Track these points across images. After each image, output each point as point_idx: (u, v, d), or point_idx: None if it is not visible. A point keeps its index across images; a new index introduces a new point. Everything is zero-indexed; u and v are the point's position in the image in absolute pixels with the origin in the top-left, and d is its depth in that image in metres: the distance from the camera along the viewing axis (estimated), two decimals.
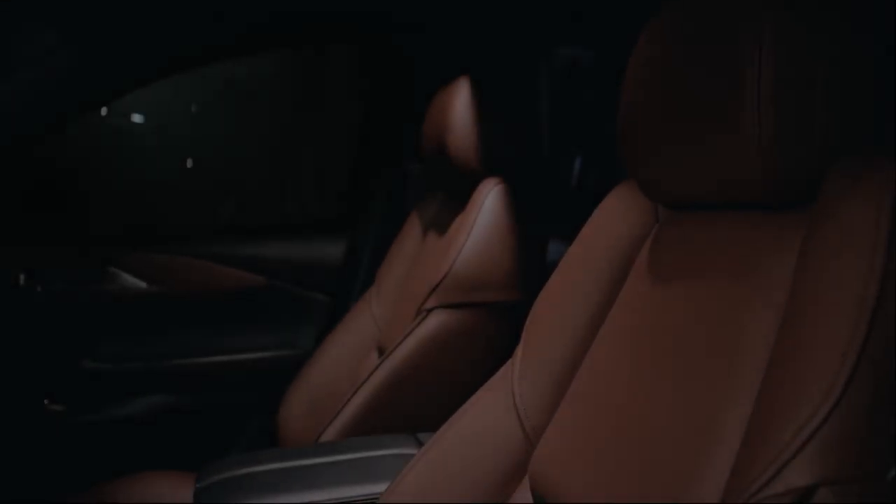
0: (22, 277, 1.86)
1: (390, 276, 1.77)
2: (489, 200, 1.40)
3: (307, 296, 2.01)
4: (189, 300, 1.96)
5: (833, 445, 0.51)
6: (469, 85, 1.48)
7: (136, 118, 2.17)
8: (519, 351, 0.98)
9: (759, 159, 0.65)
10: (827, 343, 0.54)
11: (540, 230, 1.44)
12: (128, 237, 2.03)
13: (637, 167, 0.82)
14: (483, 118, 1.46)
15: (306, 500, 1.04)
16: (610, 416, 0.81)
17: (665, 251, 0.84)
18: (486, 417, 0.97)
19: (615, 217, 0.93)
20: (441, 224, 1.64)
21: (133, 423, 1.89)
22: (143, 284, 1.95)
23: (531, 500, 0.88)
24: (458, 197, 1.58)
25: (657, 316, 0.80)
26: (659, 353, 0.78)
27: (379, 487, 1.00)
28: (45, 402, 1.85)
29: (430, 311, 1.36)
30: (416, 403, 1.34)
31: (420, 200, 1.84)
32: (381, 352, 1.62)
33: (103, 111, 2.08)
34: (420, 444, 1.22)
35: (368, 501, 0.99)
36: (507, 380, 0.98)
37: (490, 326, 1.37)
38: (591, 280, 0.92)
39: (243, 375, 1.96)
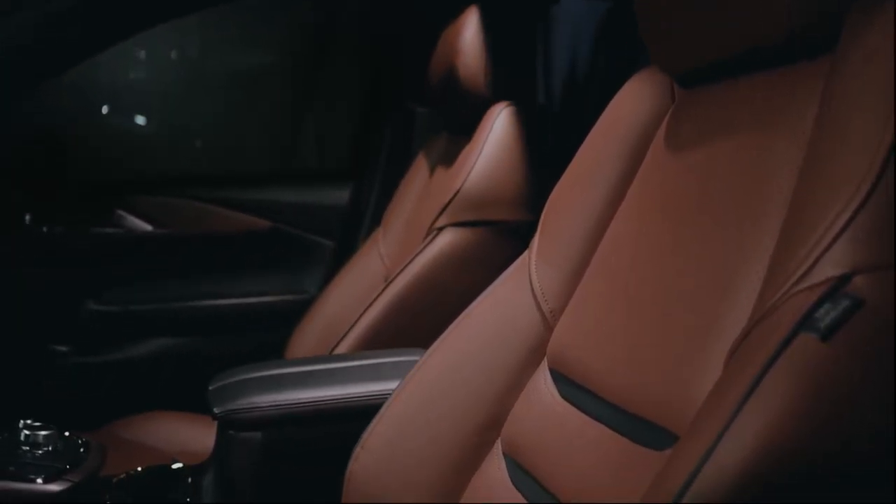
0: (28, 218, 1.86)
1: (397, 216, 1.77)
2: (499, 122, 1.40)
3: (313, 240, 2.02)
4: (195, 243, 1.96)
5: (866, 235, 0.51)
6: (478, 12, 1.48)
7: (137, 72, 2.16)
8: (536, 238, 0.98)
9: None
10: (855, 147, 0.55)
11: (548, 153, 1.44)
12: (134, 181, 2.03)
13: (655, 32, 0.82)
14: (491, 45, 1.46)
15: (319, 395, 1.04)
16: (629, 289, 0.81)
17: (683, 123, 0.84)
18: (504, 303, 0.97)
19: (632, 101, 0.94)
20: (449, 159, 1.64)
21: (139, 365, 1.89)
22: (148, 227, 1.95)
23: (550, 380, 0.88)
24: (466, 132, 1.58)
25: (677, 184, 0.80)
26: (680, 218, 0.78)
27: (393, 385, 1.00)
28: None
29: (440, 229, 1.36)
30: (427, 320, 1.34)
31: (427, 143, 1.84)
32: None
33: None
34: None
35: (383, 396, 0.99)
36: (524, 267, 0.98)
37: (500, 246, 1.37)
38: (609, 161, 0.92)
39: (249, 319, 1.96)
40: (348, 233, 2.03)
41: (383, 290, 1.38)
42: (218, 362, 1.94)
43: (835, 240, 0.52)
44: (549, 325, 0.93)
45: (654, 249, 0.80)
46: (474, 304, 1.00)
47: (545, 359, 0.91)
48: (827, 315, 0.50)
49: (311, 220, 2.01)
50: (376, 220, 1.93)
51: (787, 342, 0.50)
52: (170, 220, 1.97)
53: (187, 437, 1.53)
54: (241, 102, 2.17)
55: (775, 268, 0.57)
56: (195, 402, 1.53)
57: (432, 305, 1.35)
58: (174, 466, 1.19)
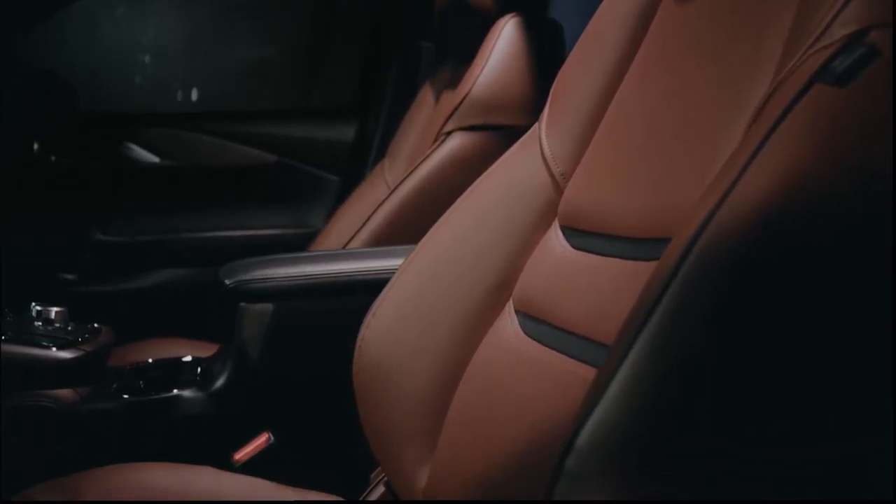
0: (36, 147, 1.86)
1: (404, 144, 1.77)
2: (506, 31, 1.41)
3: (319, 175, 2.02)
4: (201, 176, 1.97)
5: None
6: None
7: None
8: (546, 109, 0.99)
9: None
10: None
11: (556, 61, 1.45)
12: (143, 114, 2.03)
13: None
14: None
15: (331, 269, 1.05)
16: (639, 139, 0.82)
17: None
18: (514, 170, 0.98)
19: None
20: (455, 83, 1.65)
21: (145, 295, 1.90)
22: (156, 159, 1.96)
23: (562, 236, 0.88)
24: (473, 57, 1.58)
25: (682, 35, 0.81)
26: (684, 66, 0.78)
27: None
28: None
29: (449, 133, 1.37)
30: (435, 220, 1.35)
31: (432, 74, 1.85)
32: None
33: None
34: None
35: (394, 272, 0.99)
36: (533, 136, 0.99)
37: None
38: (616, 27, 0.93)
39: (254, 252, 1.96)
40: (354, 168, 2.03)
41: (393, 191, 1.39)
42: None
43: (847, 2, 0.53)
44: (559, 187, 0.93)
45: (661, 101, 0.81)
46: (484, 175, 1.01)
47: (556, 219, 0.92)
48: (843, 64, 0.51)
49: (317, 155, 2.02)
50: (382, 155, 1.93)
51: (802, 93, 0.51)
52: (177, 153, 1.98)
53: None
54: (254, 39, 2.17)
55: (789, 44, 0.58)
56: (201, 331, 1.54)
57: (441, 206, 1.35)
58: (184, 359, 1.19)
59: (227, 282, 1.08)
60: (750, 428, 0.45)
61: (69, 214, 1.88)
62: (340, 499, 0.95)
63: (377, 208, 1.39)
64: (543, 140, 0.96)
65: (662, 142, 0.77)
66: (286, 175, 2.00)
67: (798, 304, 0.46)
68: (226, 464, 1.01)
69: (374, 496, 1.01)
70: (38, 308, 1.04)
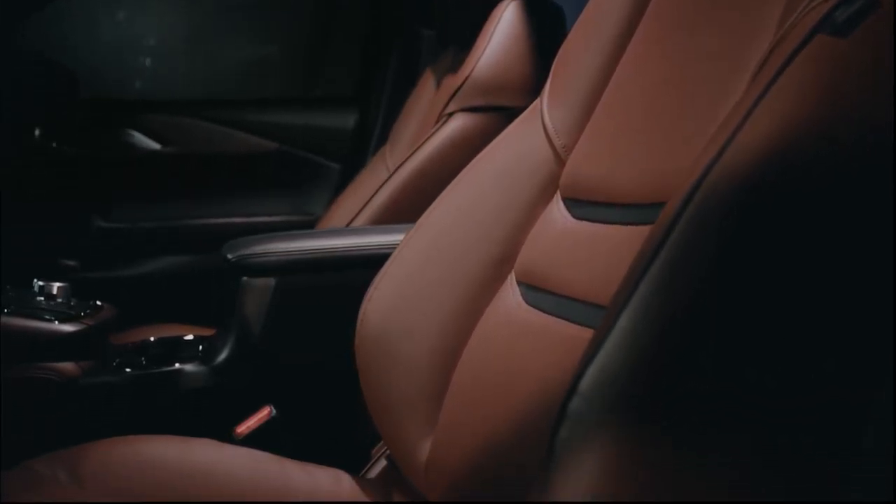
0: (37, 133, 1.87)
1: (405, 130, 1.78)
2: (507, 13, 1.41)
3: (320, 163, 2.03)
4: (202, 163, 1.97)
5: None
6: None
7: None
8: (547, 83, 0.99)
9: None
10: None
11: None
12: (145, 101, 2.03)
13: None
14: None
15: (332, 244, 1.05)
16: (641, 107, 0.82)
17: None
18: (516, 144, 0.98)
19: None
20: (456, 68, 1.65)
21: (146, 281, 1.90)
22: (157, 146, 1.96)
23: (564, 207, 0.88)
24: (474, 41, 1.58)
25: (686, 4, 0.81)
26: (687, 32, 0.79)
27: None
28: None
29: (451, 114, 1.37)
30: None
31: (434, 61, 1.85)
32: None
33: None
34: None
35: (396, 246, 1.00)
36: (535, 111, 0.99)
37: None
38: (618, 3, 0.93)
39: None
40: (355, 155, 2.03)
41: (395, 172, 1.39)
42: (223, 280, 1.96)
43: None
44: (561, 160, 0.93)
45: (662, 69, 0.81)
46: (485, 150, 1.01)
47: (558, 192, 0.92)
48: (843, 14, 0.51)
49: (318, 143, 2.02)
50: (382, 142, 1.93)
51: (803, 45, 0.51)
52: (179, 140, 1.98)
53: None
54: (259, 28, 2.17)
55: (789, 3, 0.58)
56: (202, 317, 1.54)
57: (443, 187, 1.35)
58: (186, 337, 1.19)
59: (229, 256, 1.08)
60: (751, 370, 0.45)
61: (70, 201, 1.88)
62: (342, 472, 0.95)
63: (379, 189, 1.39)
64: (545, 114, 0.96)
65: (663, 109, 0.78)
66: (287, 163, 2.01)
67: (798, 251, 0.46)
68: (228, 437, 1.01)
69: (375, 470, 1.02)
70: (41, 283, 1.04)
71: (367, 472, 1.02)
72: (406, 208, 1.36)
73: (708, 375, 0.45)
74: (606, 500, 0.44)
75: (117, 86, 2.05)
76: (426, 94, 1.78)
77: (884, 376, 0.47)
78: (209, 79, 2.14)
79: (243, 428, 1.01)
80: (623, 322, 0.47)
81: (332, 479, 0.95)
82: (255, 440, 0.99)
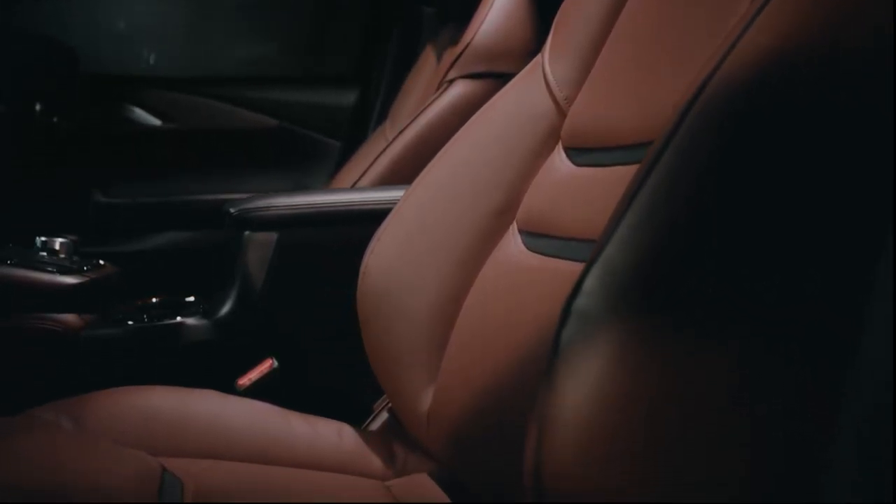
0: (38, 107, 1.87)
1: (405, 105, 1.78)
2: None
3: (320, 140, 2.03)
4: (202, 139, 1.98)
5: None
6: None
7: None
8: (549, 38, 0.99)
9: None
10: None
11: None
12: (146, 77, 2.04)
13: None
14: None
15: (335, 199, 1.05)
16: (640, 53, 0.82)
17: None
18: (517, 97, 0.98)
19: None
20: (456, 40, 1.65)
21: (146, 257, 1.90)
22: (157, 122, 1.96)
23: (565, 156, 0.89)
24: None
25: None
26: None
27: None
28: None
29: (451, 81, 1.38)
30: None
31: (434, 37, 1.85)
32: None
33: None
34: None
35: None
36: (536, 65, 0.99)
37: None
38: None
39: None
40: (355, 133, 2.04)
41: (395, 138, 1.39)
42: (224, 257, 1.96)
43: None
44: (562, 112, 0.94)
45: (662, 16, 0.81)
46: (486, 105, 1.01)
47: (559, 143, 0.92)
48: None
49: (319, 121, 2.02)
50: (383, 119, 1.94)
51: None
52: (179, 116, 1.98)
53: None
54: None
55: None
56: (202, 293, 1.54)
57: None
58: (187, 299, 1.20)
59: (231, 210, 1.09)
60: (749, 270, 0.45)
61: (70, 176, 1.88)
62: (344, 424, 0.96)
63: (379, 155, 1.39)
64: (546, 67, 0.97)
65: (662, 52, 0.78)
66: (288, 140, 2.01)
67: (797, 154, 0.47)
68: (230, 390, 1.01)
69: (376, 424, 1.02)
70: (43, 239, 1.05)
71: (368, 425, 1.03)
72: (407, 173, 1.36)
73: (709, 274, 0.45)
74: (611, 393, 0.44)
75: (118, 62, 2.05)
76: (426, 70, 1.78)
77: (877, 289, 0.47)
78: (210, 56, 2.14)
79: (245, 380, 1.02)
80: (626, 225, 0.48)
81: (333, 431, 0.96)
82: (257, 393, 1.00)
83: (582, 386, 0.45)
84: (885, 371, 0.45)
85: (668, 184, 0.48)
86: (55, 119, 1.88)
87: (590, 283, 0.47)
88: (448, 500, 0.85)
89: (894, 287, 0.44)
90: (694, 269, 0.45)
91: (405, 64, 2.00)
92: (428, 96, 1.56)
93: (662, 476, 0.45)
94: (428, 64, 1.79)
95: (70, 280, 0.98)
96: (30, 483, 0.77)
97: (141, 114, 1.96)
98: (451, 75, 1.38)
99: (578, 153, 0.87)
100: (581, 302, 0.46)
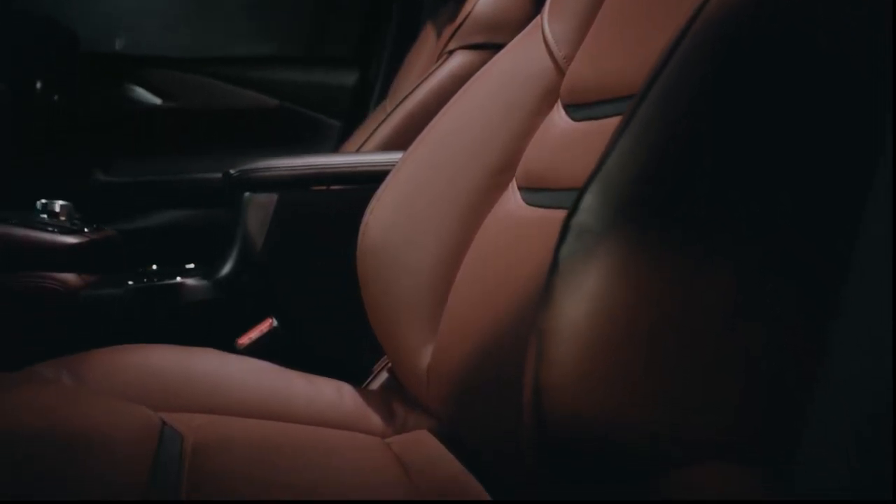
0: (39, 85, 1.87)
1: (405, 82, 1.78)
2: None
3: (321, 119, 2.03)
4: (202, 118, 1.98)
5: None
6: None
7: None
8: (547, 2, 1.00)
9: None
10: None
11: None
12: (147, 56, 2.04)
13: None
14: None
15: (335, 161, 1.06)
16: (641, 7, 0.82)
17: None
18: (515, 59, 0.99)
19: None
20: (456, 14, 1.65)
21: (146, 235, 1.90)
22: (158, 101, 1.97)
23: (565, 114, 0.89)
24: None
25: None
26: None
27: None
28: None
29: (451, 52, 1.38)
30: None
31: (435, 13, 1.85)
32: None
33: None
34: None
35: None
36: (535, 26, 0.99)
37: None
38: None
39: None
40: (355, 112, 2.04)
41: (395, 108, 1.39)
42: (224, 235, 1.97)
43: None
44: (561, 70, 0.94)
45: None
46: (485, 67, 1.02)
47: (559, 100, 0.92)
48: None
49: (320, 100, 2.02)
50: (383, 98, 1.94)
51: None
52: (180, 95, 1.98)
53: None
54: None
55: None
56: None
57: None
58: (188, 266, 1.20)
59: (232, 172, 1.09)
60: (734, 192, 0.45)
61: (71, 154, 1.88)
62: (344, 383, 0.96)
63: (380, 124, 1.39)
64: (546, 27, 0.97)
65: (662, 4, 0.78)
66: (288, 119, 2.01)
67: (794, 78, 0.47)
68: (230, 350, 1.01)
69: (376, 384, 1.02)
70: (43, 201, 1.05)
71: (368, 385, 1.03)
72: (407, 141, 1.35)
73: (700, 196, 0.46)
74: (610, 307, 0.44)
75: (119, 41, 2.05)
76: (427, 47, 1.79)
77: (859, 220, 0.47)
78: (211, 35, 2.14)
79: (245, 339, 1.02)
80: (623, 144, 0.48)
81: (333, 389, 0.96)
82: (257, 353, 1.00)
83: (581, 300, 0.45)
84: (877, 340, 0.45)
85: (663, 106, 0.48)
86: (56, 97, 1.88)
87: (588, 199, 0.47)
88: (448, 455, 0.85)
89: (894, 251, 0.45)
90: (687, 191, 0.45)
91: (405, 43, 2.00)
92: (428, 70, 1.56)
93: (660, 396, 0.45)
94: (428, 41, 1.80)
95: (70, 239, 0.98)
96: (28, 435, 0.77)
97: (142, 93, 1.96)
98: (451, 46, 1.38)
99: (577, 109, 0.87)
100: (579, 218, 0.47)
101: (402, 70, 1.85)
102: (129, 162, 1.92)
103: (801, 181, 0.45)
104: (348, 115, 2.04)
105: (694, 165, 0.46)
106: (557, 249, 0.47)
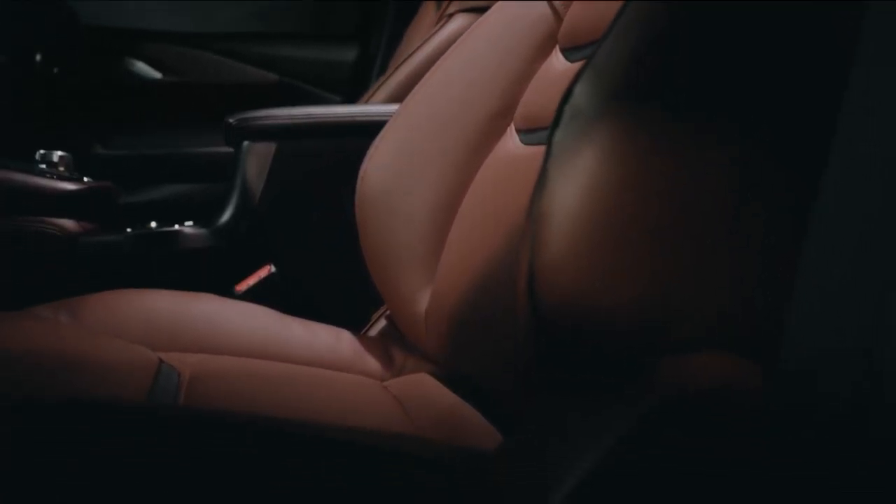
0: (39, 57, 1.87)
1: (406, 54, 1.78)
2: None
3: (320, 95, 2.03)
4: (202, 92, 1.98)
5: None
6: None
7: None
8: None
9: None
10: None
11: None
12: (147, 31, 2.04)
13: None
14: None
15: (335, 111, 1.06)
16: None
17: None
18: (515, 6, 0.99)
19: None
20: None
21: (146, 210, 1.90)
22: (158, 75, 1.97)
23: (562, 56, 0.89)
24: None
25: None
26: None
27: None
28: None
29: (451, 15, 1.38)
30: None
31: None
32: None
33: None
34: None
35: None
36: None
37: None
38: None
39: None
40: (356, 88, 2.04)
41: (394, 71, 1.39)
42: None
43: None
44: (560, 17, 0.94)
45: None
46: (482, 17, 1.02)
47: (556, 46, 0.92)
48: None
49: (320, 76, 2.03)
50: (383, 73, 1.94)
51: None
52: (180, 69, 1.98)
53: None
54: None
55: None
56: None
57: None
58: (187, 223, 1.20)
59: (231, 121, 1.09)
60: (717, 75, 0.45)
61: (71, 128, 1.88)
62: (342, 329, 0.96)
63: (380, 86, 1.39)
64: None
65: None
66: (288, 95, 2.01)
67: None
68: (229, 296, 1.02)
69: (374, 331, 1.02)
70: (42, 152, 1.05)
71: (366, 332, 1.03)
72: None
73: (687, 69, 0.46)
74: (602, 182, 0.45)
75: (121, 15, 2.06)
76: (426, 21, 1.79)
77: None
78: (211, 10, 2.15)
79: (243, 285, 1.02)
80: (614, 34, 0.48)
81: (331, 334, 0.96)
82: (255, 300, 1.00)
83: (574, 179, 0.45)
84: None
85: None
86: (55, 71, 1.88)
87: (580, 86, 0.47)
88: (446, 391, 0.85)
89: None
90: (673, 72, 0.46)
91: (406, 18, 2.00)
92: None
93: (655, 276, 0.45)
94: (428, 15, 1.79)
95: (69, 186, 0.98)
96: (25, 370, 0.77)
97: (142, 67, 1.97)
98: (451, 9, 1.39)
99: (576, 50, 0.87)
100: (572, 103, 0.47)
101: (403, 44, 1.85)
102: (129, 136, 1.91)
103: (785, 63, 0.45)
104: (349, 91, 2.04)
105: (677, 47, 0.46)
106: (550, 136, 0.47)
